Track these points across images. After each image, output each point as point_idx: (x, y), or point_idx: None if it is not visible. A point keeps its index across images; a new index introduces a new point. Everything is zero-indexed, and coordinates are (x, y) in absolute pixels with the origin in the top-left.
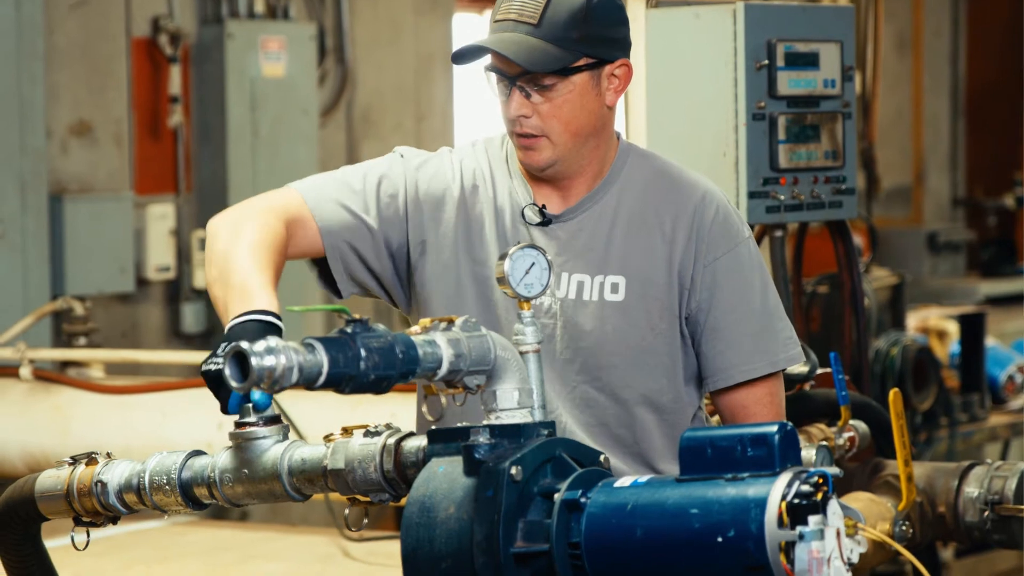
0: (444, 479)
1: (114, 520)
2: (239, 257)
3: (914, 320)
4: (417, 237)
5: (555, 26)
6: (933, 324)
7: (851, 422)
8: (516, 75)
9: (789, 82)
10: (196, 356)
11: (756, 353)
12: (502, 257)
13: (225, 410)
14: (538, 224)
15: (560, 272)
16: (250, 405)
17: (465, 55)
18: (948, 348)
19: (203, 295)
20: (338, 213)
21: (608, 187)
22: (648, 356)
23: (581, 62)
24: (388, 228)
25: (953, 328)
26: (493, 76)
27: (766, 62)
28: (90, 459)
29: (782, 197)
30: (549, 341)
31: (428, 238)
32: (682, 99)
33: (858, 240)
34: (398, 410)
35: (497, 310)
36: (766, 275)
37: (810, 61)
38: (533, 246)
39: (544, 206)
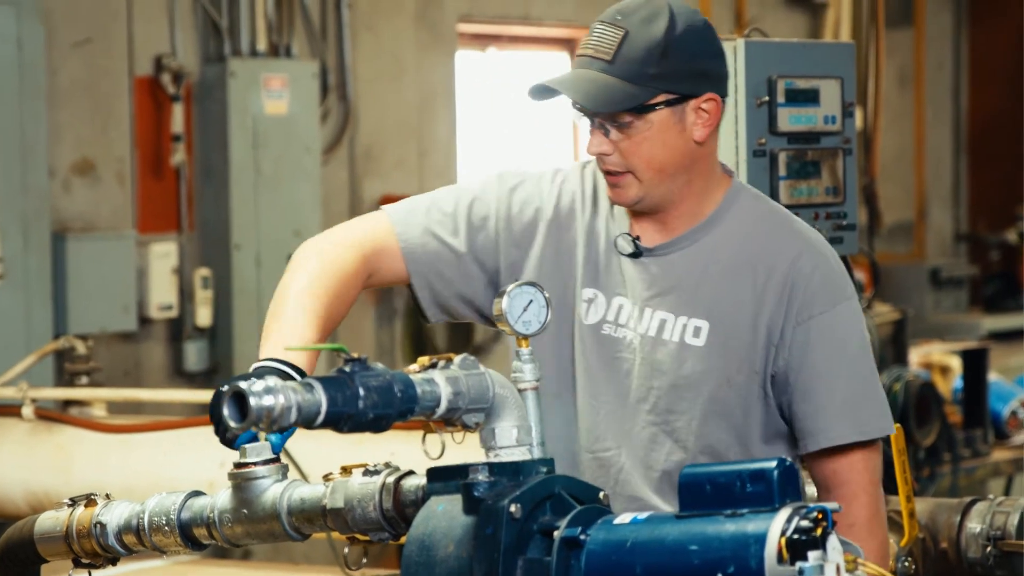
0: (443, 517)
1: (113, 561)
2: (288, 295)
3: (917, 355)
4: (508, 259)
5: (630, 62)
6: (936, 359)
7: None
8: (594, 113)
9: (790, 118)
10: (199, 395)
11: (846, 420)
12: (501, 294)
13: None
14: (630, 255)
15: (644, 307)
16: (247, 446)
17: (537, 92)
18: (951, 383)
19: (205, 333)
20: (424, 239)
21: (710, 228)
22: (719, 407)
23: (660, 99)
24: (479, 252)
25: (956, 363)
26: (579, 113)
27: (767, 98)
28: (89, 500)
29: None
30: (626, 377)
31: (517, 260)
32: None
33: (860, 275)
34: (398, 448)
35: (574, 330)
36: (866, 340)
37: (811, 97)
38: (532, 284)
39: (638, 237)
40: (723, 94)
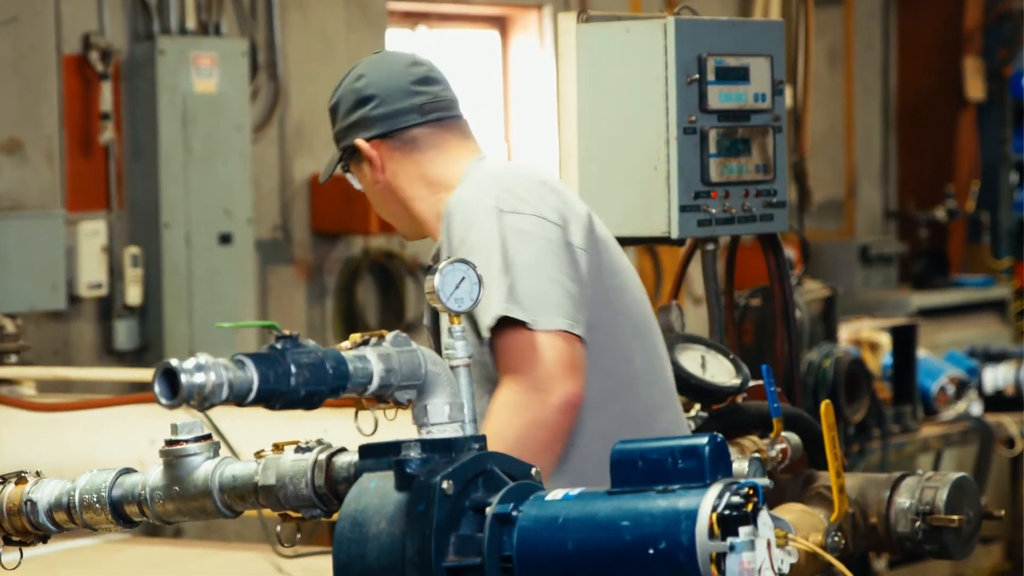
0: (376, 494)
1: (44, 539)
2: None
3: (846, 332)
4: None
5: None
6: (865, 336)
7: (783, 434)
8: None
9: (720, 96)
10: (129, 373)
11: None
12: (432, 272)
13: None
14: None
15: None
16: (179, 423)
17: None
18: (880, 360)
19: (135, 312)
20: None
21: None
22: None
23: (339, 164)
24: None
25: (885, 340)
26: None
27: (697, 76)
28: (20, 478)
29: (713, 211)
30: None
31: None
32: (613, 113)
33: (790, 253)
34: (330, 425)
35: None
36: (506, 246)
37: (740, 75)
38: (464, 261)
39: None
40: (378, 132)
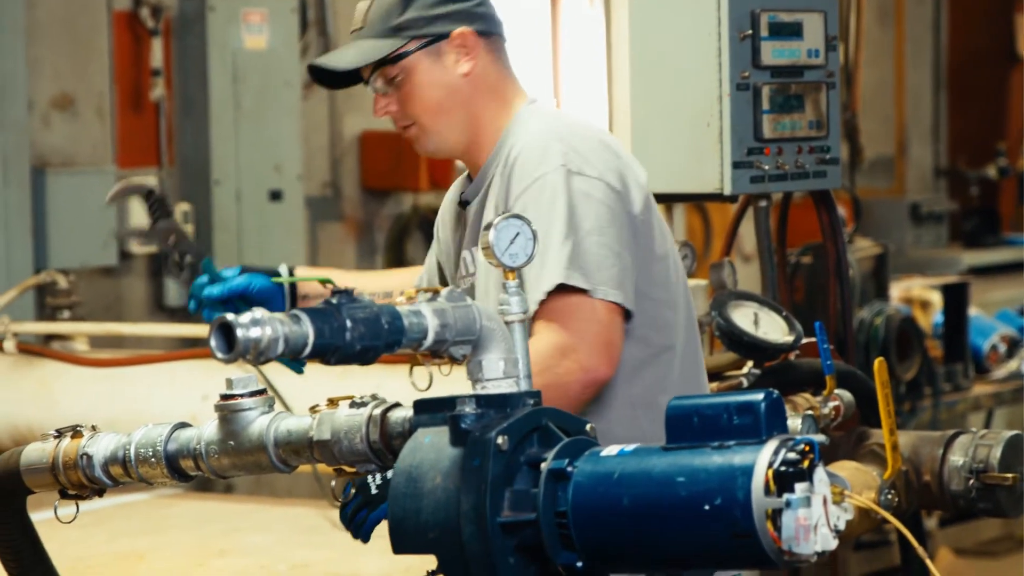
0: (430, 449)
1: (100, 493)
2: None
3: (897, 290)
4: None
5: (376, 22)
6: (916, 294)
7: (836, 391)
8: (368, 79)
9: (773, 52)
10: (180, 329)
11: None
12: (488, 227)
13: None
14: (461, 208)
15: (472, 251)
16: (234, 378)
17: (313, 74)
18: (931, 318)
19: (186, 269)
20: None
21: (496, 155)
22: None
23: (409, 45)
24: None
25: (936, 298)
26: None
27: (750, 32)
28: (75, 432)
29: (766, 167)
30: None
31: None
32: (666, 70)
33: (841, 211)
34: (384, 381)
35: None
36: (573, 207)
37: (794, 31)
38: (519, 216)
39: (463, 192)
40: (481, 28)
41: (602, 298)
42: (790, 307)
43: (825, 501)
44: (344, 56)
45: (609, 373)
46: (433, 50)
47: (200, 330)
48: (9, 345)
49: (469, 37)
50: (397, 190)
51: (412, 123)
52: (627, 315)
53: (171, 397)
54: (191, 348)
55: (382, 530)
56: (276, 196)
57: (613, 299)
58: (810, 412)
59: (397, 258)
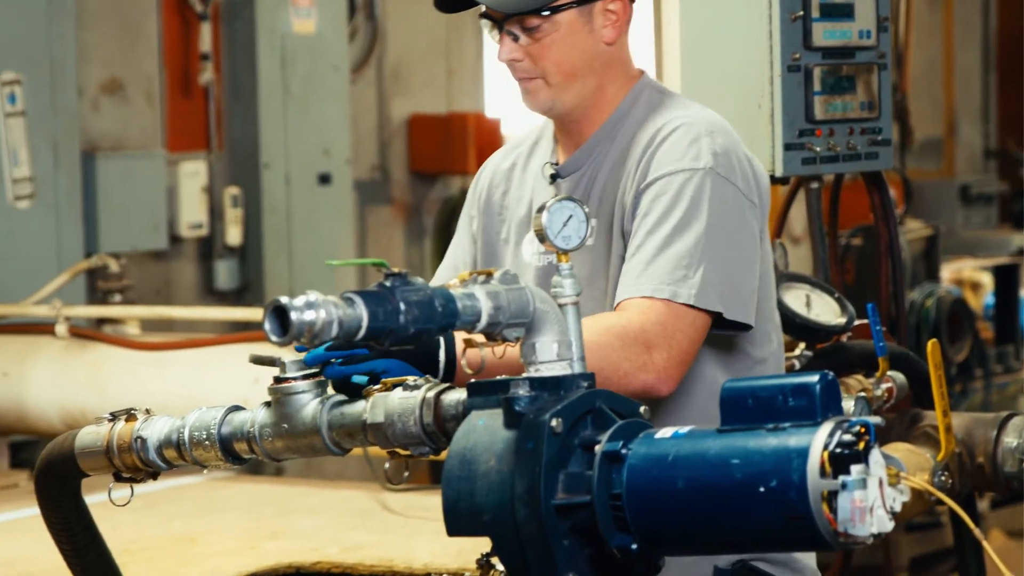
0: (484, 432)
1: (154, 476)
2: None
3: (948, 272)
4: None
5: None
6: (967, 276)
7: (889, 373)
8: (503, 19)
9: (824, 33)
10: (230, 312)
11: (636, 279)
12: (540, 210)
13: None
14: (551, 179)
15: None
16: (288, 360)
17: (448, 2)
18: (982, 300)
19: (235, 251)
20: None
21: (610, 128)
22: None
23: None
24: None
25: (987, 280)
26: (488, 24)
27: (801, 13)
28: (129, 415)
29: (818, 149)
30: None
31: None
32: (717, 51)
33: (892, 192)
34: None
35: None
36: (700, 215)
37: (845, 12)
38: (571, 199)
39: (557, 162)
40: None
41: (699, 307)
42: (841, 289)
43: (881, 483)
44: None
45: (669, 391)
46: (586, 10)
47: (250, 313)
48: (61, 329)
49: (624, 5)
50: (445, 173)
51: (537, 77)
52: (745, 328)
53: (222, 380)
54: (241, 331)
55: (433, 511)
56: (325, 180)
57: (711, 308)
58: (863, 394)
59: (445, 241)
